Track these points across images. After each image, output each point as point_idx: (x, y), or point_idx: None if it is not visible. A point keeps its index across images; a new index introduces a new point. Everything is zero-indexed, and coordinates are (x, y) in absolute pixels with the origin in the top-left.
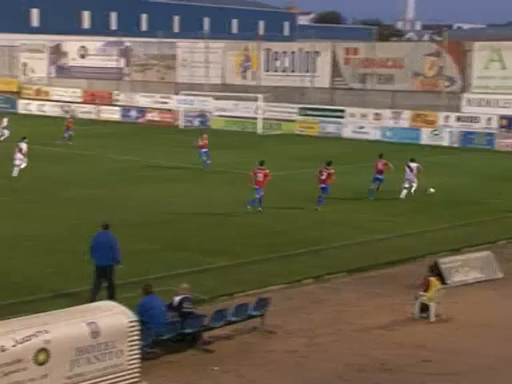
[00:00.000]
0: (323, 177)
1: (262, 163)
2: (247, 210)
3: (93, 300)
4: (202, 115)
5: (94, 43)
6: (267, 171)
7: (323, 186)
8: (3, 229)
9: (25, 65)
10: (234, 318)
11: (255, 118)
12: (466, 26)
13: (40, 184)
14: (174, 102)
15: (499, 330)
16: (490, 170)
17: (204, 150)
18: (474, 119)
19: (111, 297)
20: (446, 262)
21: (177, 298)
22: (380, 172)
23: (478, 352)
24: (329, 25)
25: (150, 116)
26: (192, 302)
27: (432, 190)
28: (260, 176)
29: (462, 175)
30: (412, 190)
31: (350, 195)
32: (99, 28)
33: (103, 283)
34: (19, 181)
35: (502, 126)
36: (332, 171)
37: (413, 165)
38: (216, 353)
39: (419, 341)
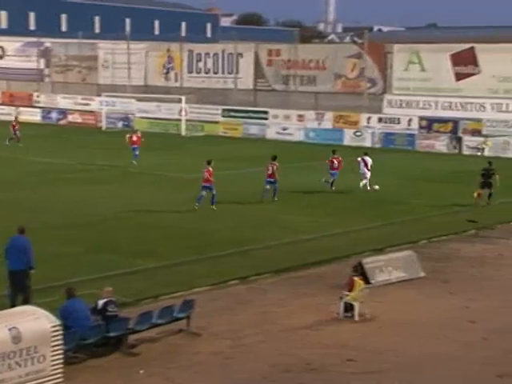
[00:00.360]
0: (270, 171)
1: (209, 162)
2: (196, 208)
3: (13, 305)
4: (126, 118)
5: (12, 43)
6: (211, 169)
7: (271, 180)
8: None
9: None
10: (159, 321)
11: (179, 120)
12: (385, 29)
13: None
14: (96, 103)
15: (421, 328)
16: (410, 171)
17: (135, 146)
18: (395, 120)
19: (25, 301)
20: (369, 262)
21: (101, 302)
22: (335, 169)
23: (401, 350)
24: (251, 26)
25: (71, 118)
26: (116, 305)
27: (376, 186)
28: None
29: (384, 175)
30: (361, 185)
31: (277, 195)
32: (17, 28)
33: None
34: None
35: (421, 127)
36: (277, 165)
37: (367, 158)
38: (141, 356)
39: (344, 340)
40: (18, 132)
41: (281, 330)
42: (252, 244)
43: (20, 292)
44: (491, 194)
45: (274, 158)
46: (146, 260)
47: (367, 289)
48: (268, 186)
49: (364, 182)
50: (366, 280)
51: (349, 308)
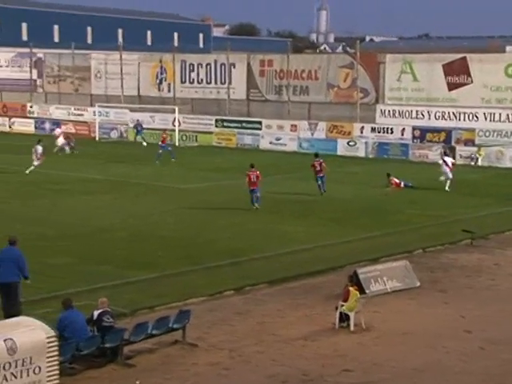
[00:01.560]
0: (253, 179)
1: (252, 166)
2: (254, 208)
3: (8, 317)
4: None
5: (4, 54)
6: (258, 172)
7: (253, 188)
8: None
9: None
10: (155, 331)
11: (172, 130)
12: (378, 39)
13: None
14: (90, 113)
15: (418, 338)
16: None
17: (164, 144)
18: (388, 130)
19: (17, 313)
20: (364, 272)
21: (96, 312)
22: (320, 172)
23: (398, 360)
24: (244, 37)
25: (64, 128)
26: (112, 316)
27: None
28: (253, 177)
29: (378, 185)
30: (447, 187)
31: (269, 206)
32: (10, 39)
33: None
34: None
35: (415, 137)
36: (258, 172)
37: (447, 159)
38: (138, 367)
39: (340, 350)
40: None
41: (278, 341)
42: (248, 254)
43: (11, 304)
44: None
45: (253, 166)
46: (141, 271)
47: (363, 299)
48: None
49: (448, 182)
50: (362, 290)
51: (344, 318)
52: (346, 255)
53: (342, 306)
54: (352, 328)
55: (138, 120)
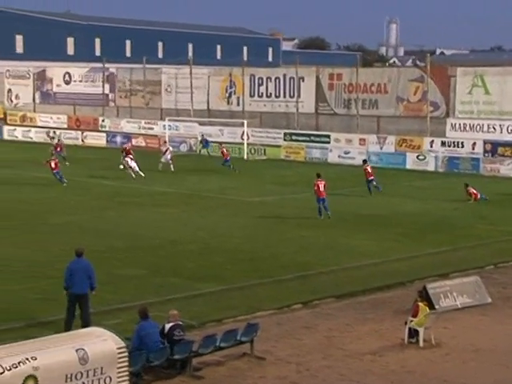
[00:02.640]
0: (321, 188)
1: (319, 175)
2: (320, 218)
3: (69, 329)
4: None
5: (78, 69)
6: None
7: (322, 197)
8: None
9: (9, 91)
10: (223, 344)
11: (241, 144)
12: (448, 52)
13: (27, 210)
14: (160, 127)
15: (489, 355)
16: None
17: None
18: (458, 144)
19: (86, 325)
20: (434, 287)
21: (167, 326)
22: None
23: (468, 378)
24: (313, 50)
25: (135, 141)
26: (183, 329)
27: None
28: (321, 186)
29: (448, 200)
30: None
31: (336, 219)
32: (83, 54)
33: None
34: (6, 207)
35: (486, 151)
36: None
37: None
38: (206, 379)
39: (409, 366)
40: (63, 153)
41: (345, 356)
42: (315, 268)
43: (83, 315)
44: None
45: (319, 176)
46: (209, 283)
47: (432, 314)
48: (324, 205)
49: None
50: (431, 305)
51: (414, 334)
52: (415, 270)
53: (412, 321)
54: (421, 344)
55: (202, 135)
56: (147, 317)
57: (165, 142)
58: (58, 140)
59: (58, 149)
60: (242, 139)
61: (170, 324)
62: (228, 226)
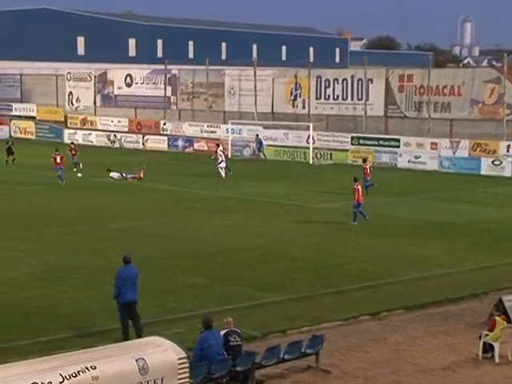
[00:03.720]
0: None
1: (356, 179)
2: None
3: (126, 338)
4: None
5: (140, 71)
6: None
7: (360, 202)
8: (51, 261)
9: (70, 94)
10: (287, 356)
11: (306, 148)
12: None
13: (88, 215)
14: (222, 131)
15: None
16: None
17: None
18: None
19: (139, 333)
20: (510, 300)
21: (222, 332)
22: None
23: None
24: (382, 51)
25: (197, 145)
26: (239, 335)
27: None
28: (360, 191)
29: None
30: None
31: (405, 228)
32: (145, 56)
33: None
34: (67, 211)
35: None
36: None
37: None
38: None
39: (484, 383)
40: (75, 157)
41: (416, 370)
42: (383, 278)
43: (134, 323)
44: None
45: (357, 180)
46: (272, 292)
47: (510, 328)
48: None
49: None
50: (509, 319)
51: (488, 349)
52: (489, 281)
53: (487, 335)
54: (497, 359)
55: (257, 135)
56: (211, 327)
57: (218, 145)
58: (72, 143)
59: (73, 152)
60: (308, 143)
61: (225, 330)
62: (292, 233)
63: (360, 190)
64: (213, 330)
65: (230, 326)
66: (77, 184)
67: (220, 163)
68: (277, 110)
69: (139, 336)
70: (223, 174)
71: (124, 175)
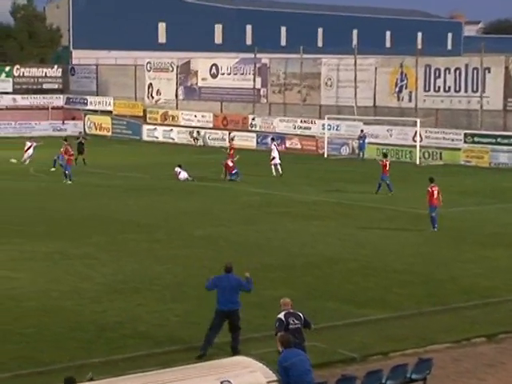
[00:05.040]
0: (435, 196)
1: (432, 180)
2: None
3: (208, 342)
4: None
5: (226, 60)
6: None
7: (435, 206)
8: (127, 271)
9: (150, 86)
10: (390, 382)
11: (413, 146)
12: None
13: (167, 220)
14: (318, 127)
15: None
16: None
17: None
18: None
19: (235, 345)
20: None
21: (280, 315)
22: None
23: None
24: (501, 36)
25: (289, 143)
26: (297, 318)
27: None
28: (436, 193)
29: None
30: None
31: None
32: (232, 43)
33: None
34: (144, 216)
35: None
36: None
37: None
38: None
39: None
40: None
41: None
42: (502, 295)
43: (233, 336)
44: None
45: (433, 181)
46: (373, 309)
47: None
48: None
49: None
50: None
51: None
52: None
53: None
54: None
55: (362, 130)
56: (290, 346)
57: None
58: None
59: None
60: (414, 141)
61: (283, 313)
62: (396, 243)
63: (435, 192)
64: (293, 348)
65: (288, 308)
66: (155, 186)
67: (273, 159)
68: (379, 103)
69: (234, 350)
70: (275, 171)
71: (191, 178)
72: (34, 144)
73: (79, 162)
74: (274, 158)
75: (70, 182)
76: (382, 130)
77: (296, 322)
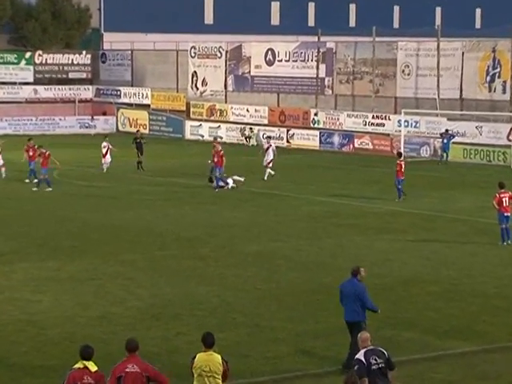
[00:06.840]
0: (506, 203)
1: (502, 185)
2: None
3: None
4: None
5: (284, 45)
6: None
7: (507, 214)
8: (167, 293)
9: (194, 75)
10: None
11: (507, 147)
12: None
13: (214, 234)
14: (393, 123)
15: None
16: None
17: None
18: None
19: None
20: None
21: (359, 354)
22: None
23: None
24: None
25: (358, 143)
26: (378, 356)
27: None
28: (506, 200)
29: None
30: None
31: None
32: (292, 24)
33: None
34: (189, 229)
35: None
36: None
37: None
38: None
39: None
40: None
41: None
42: None
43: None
44: None
45: (503, 186)
46: (459, 341)
47: None
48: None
49: None
50: None
51: None
52: None
53: None
54: None
55: (447, 130)
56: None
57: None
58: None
59: (32, 153)
60: (509, 140)
61: (363, 351)
62: (485, 261)
63: (503, 199)
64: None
65: (367, 344)
66: (199, 193)
67: (270, 163)
68: (467, 95)
69: (345, 367)
70: (266, 174)
71: (235, 184)
72: (110, 147)
73: (133, 166)
74: (271, 161)
75: (50, 189)
76: (469, 127)
77: (379, 360)
